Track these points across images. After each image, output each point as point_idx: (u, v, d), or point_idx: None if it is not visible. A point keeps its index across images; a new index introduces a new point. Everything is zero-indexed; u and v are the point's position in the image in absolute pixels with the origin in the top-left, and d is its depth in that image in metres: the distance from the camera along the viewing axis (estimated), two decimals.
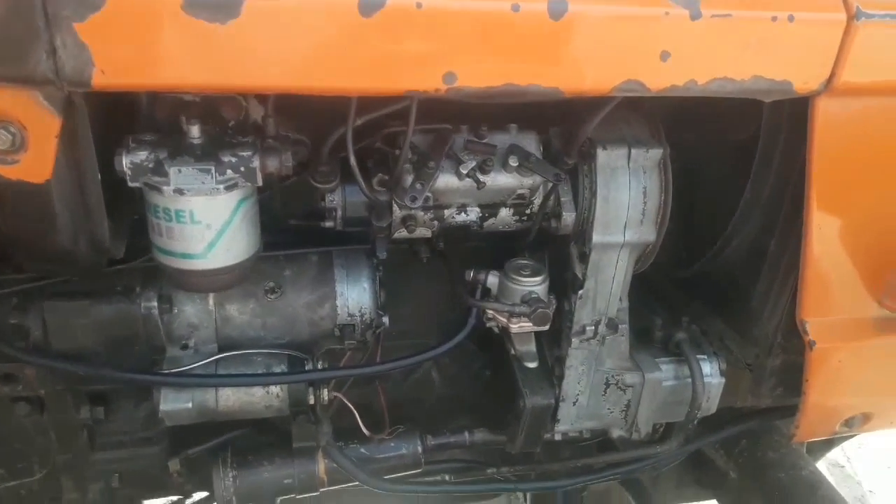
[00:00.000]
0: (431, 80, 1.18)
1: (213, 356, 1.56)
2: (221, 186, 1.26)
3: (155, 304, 1.52)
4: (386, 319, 1.71)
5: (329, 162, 1.41)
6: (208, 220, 1.29)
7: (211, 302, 1.57)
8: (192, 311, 1.58)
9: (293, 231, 1.71)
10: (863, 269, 1.65)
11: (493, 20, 1.16)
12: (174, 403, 1.51)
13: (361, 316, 1.66)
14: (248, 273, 1.43)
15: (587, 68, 1.24)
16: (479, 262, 1.74)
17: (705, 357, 1.81)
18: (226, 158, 1.27)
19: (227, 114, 1.36)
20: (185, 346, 1.58)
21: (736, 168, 1.80)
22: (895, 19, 1.32)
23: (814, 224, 1.54)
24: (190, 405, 1.51)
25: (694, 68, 1.27)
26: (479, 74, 1.20)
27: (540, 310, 1.51)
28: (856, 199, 1.56)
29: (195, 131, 1.28)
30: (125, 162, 1.24)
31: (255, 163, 1.28)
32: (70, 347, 1.48)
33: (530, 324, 1.56)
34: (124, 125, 1.34)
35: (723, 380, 1.82)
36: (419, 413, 2.03)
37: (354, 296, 1.65)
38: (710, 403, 1.84)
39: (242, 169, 1.28)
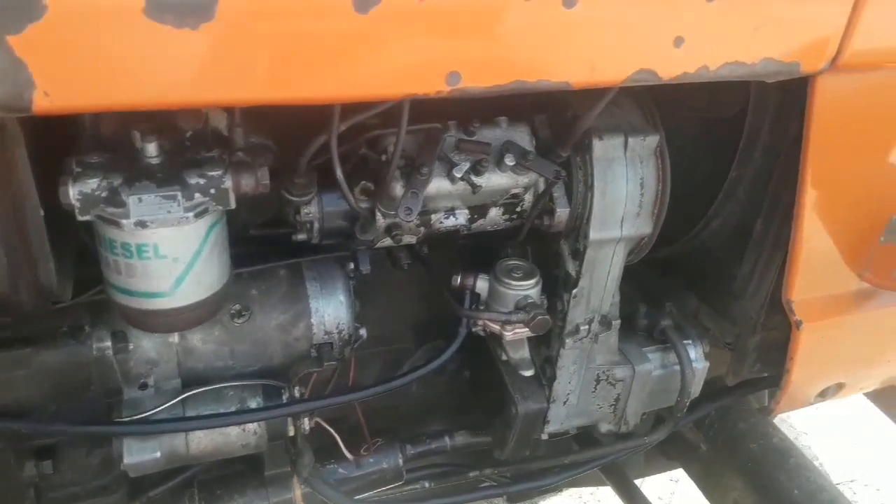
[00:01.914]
0: (433, 82, 1.03)
1: (176, 394, 1.38)
2: (191, 214, 1.07)
3: (108, 343, 1.32)
4: (364, 332, 1.57)
5: (304, 172, 1.24)
6: (175, 253, 1.11)
7: (172, 334, 1.38)
8: (150, 346, 1.39)
9: (254, 242, 1.53)
10: (847, 245, 1.63)
11: (502, 10, 1.02)
12: (140, 455, 1.32)
13: (339, 332, 1.51)
14: (220, 305, 1.26)
15: (599, 59, 1.12)
16: (459, 263, 1.63)
17: (690, 342, 1.77)
18: (192, 180, 1.09)
19: (185, 123, 1.16)
20: (144, 386, 1.39)
21: (717, 146, 1.73)
22: None
23: (806, 206, 1.49)
24: (158, 454, 1.33)
25: (707, 54, 1.18)
26: (486, 73, 1.06)
27: (539, 317, 1.41)
28: (848, 176, 1.53)
29: (152, 149, 1.09)
30: (72, 192, 1.04)
31: (228, 183, 1.11)
32: (10, 402, 1.27)
33: (526, 330, 1.46)
34: (61, 144, 1.13)
35: (707, 364, 1.79)
36: (395, 420, 1.91)
37: (331, 311, 1.49)
38: (696, 388, 1.80)
39: (213, 191, 1.10)
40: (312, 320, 1.48)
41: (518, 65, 1.07)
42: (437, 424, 1.93)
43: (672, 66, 1.16)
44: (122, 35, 0.87)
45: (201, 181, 1.09)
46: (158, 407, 1.35)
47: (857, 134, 1.47)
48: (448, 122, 1.33)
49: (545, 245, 1.59)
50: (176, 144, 1.15)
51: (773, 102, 1.56)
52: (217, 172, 1.10)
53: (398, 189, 1.26)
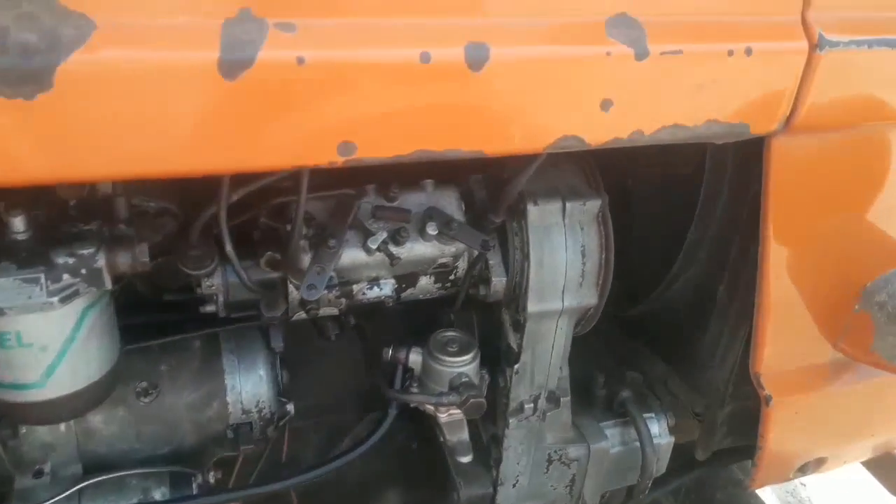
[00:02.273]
0: (323, 153, 0.93)
1: (75, 481, 1.26)
2: (55, 299, 0.96)
3: None
4: (291, 407, 1.44)
5: (202, 242, 1.13)
6: (43, 341, 1.00)
7: None
8: (44, 429, 1.27)
9: (168, 308, 1.42)
10: (818, 312, 1.50)
11: (398, 74, 0.91)
12: None
13: (259, 411, 1.39)
14: (107, 392, 1.14)
15: (516, 126, 1.00)
16: (398, 329, 1.51)
17: (652, 415, 1.64)
18: (60, 260, 0.98)
19: (65, 192, 1.06)
20: (39, 473, 1.26)
21: (679, 202, 1.61)
22: (860, 46, 1.15)
23: (770, 271, 1.37)
24: None
25: (640, 117, 1.07)
26: (384, 142, 0.95)
27: (472, 400, 1.28)
28: (813, 240, 1.40)
29: (19, 224, 0.98)
30: None
31: (101, 261, 0.99)
32: None
33: (460, 412, 1.33)
34: None
35: (672, 439, 1.66)
36: (338, 496, 1.78)
37: (249, 388, 1.37)
38: (661, 465, 1.66)
39: (83, 271, 0.99)
40: (228, 398, 1.36)
41: (421, 133, 0.96)
42: (385, 500, 1.79)
43: (600, 131, 1.05)
44: None
45: (70, 260, 0.98)
46: (51, 499, 1.22)
47: (820, 196, 1.35)
48: (366, 186, 1.22)
49: (491, 312, 1.47)
50: (55, 218, 1.04)
51: (732, 160, 1.44)
52: (89, 250, 0.99)
53: (306, 261, 1.15)
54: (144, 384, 1.32)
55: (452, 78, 0.93)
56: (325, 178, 1.20)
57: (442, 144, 0.98)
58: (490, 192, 1.34)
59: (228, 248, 1.07)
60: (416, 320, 1.54)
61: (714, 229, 1.52)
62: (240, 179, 1.06)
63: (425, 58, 0.90)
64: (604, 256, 1.32)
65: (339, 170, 1.21)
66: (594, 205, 1.29)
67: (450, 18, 0.93)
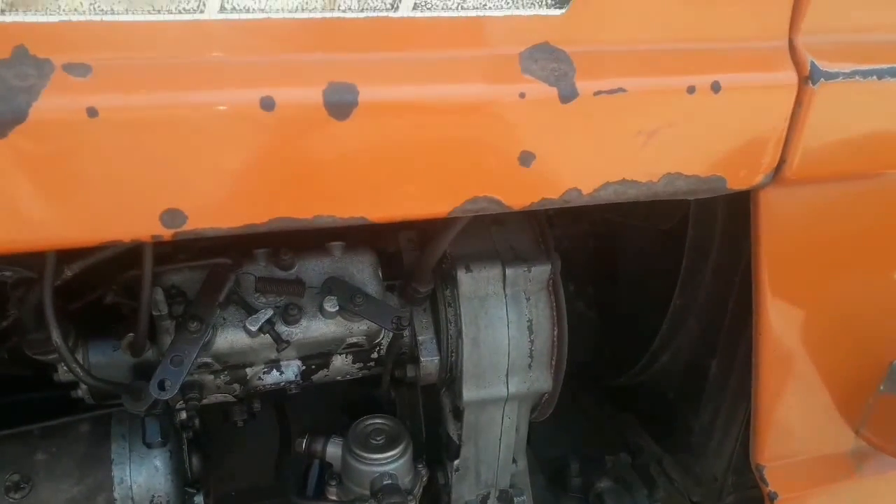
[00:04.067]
0: (140, 225, 0.72)
1: None
2: None
3: None
4: (200, 499, 1.23)
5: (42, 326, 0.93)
6: None
7: None
8: None
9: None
10: (835, 393, 1.24)
11: (230, 126, 0.70)
12: None
13: None
14: None
15: (407, 186, 0.79)
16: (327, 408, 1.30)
17: None
18: None
19: None
20: None
21: (666, 261, 1.37)
22: (867, 78, 0.90)
23: (767, 343, 1.13)
24: None
25: (574, 172, 0.84)
26: (226, 210, 0.74)
27: None
28: (822, 309, 1.16)
29: None
30: None
31: None
32: None
33: None
34: None
35: None
36: None
37: (141, 480, 1.17)
38: None
39: None
40: (115, 494, 1.16)
41: (276, 198, 0.75)
42: None
43: (521, 190, 0.83)
44: None
45: None
46: None
47: (827, 257, 1.11)
48: (256, 252, 1.01)
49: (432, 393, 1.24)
50: None
51: (722, 213, 1.20)
52: None
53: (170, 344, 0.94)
54: (16, 477, 1.13)
55: (308, 128, 0.72)
56: (211, 241, 1.00)
57: (308, 210, 0.77)
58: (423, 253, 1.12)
59: (55, 337, 0.86)
60: (349, 397, 1.32)
61: (703, 294, 1.27)
62: (73, 253, 0.86)
63: (268, 104, 0.69)
64: (556, 333, 1.08)
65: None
66: (542, 271, 1.06)
67: (304, 54, 0.72)
